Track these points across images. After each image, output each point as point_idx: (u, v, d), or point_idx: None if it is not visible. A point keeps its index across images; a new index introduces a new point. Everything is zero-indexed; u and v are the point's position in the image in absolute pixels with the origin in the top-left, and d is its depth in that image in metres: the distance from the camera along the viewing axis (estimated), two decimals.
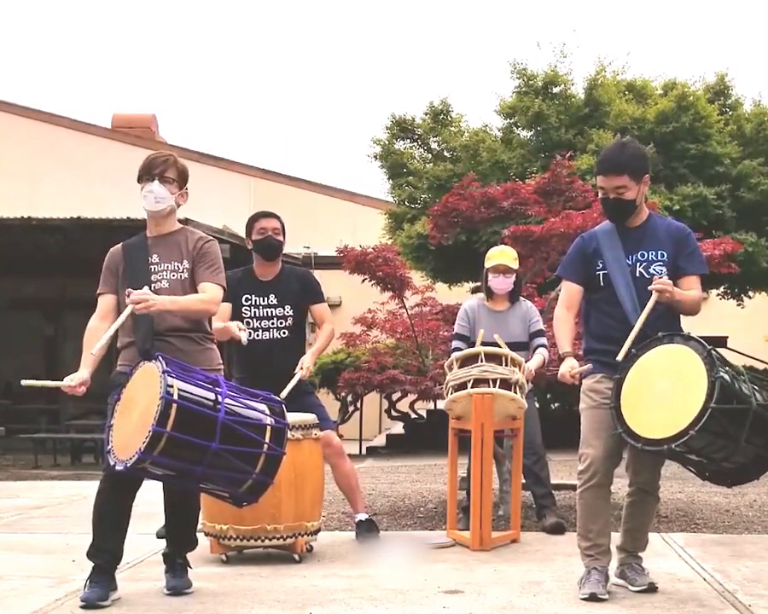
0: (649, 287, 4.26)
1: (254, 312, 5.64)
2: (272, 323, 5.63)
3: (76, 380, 4.32)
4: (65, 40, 56.10)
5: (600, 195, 4.54)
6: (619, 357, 4.17)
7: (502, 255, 6.16)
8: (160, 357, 4.06)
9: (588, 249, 4.53)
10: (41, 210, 13.85)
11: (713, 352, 4.00)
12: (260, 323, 5.64)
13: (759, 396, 4.07)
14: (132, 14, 53.42)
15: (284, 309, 5.63)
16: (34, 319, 15.88)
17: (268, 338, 5.63)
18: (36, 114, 18.56)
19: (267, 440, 4.19)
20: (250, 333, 5.59)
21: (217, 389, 4.14)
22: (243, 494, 4.27)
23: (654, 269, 4.39)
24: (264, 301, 5.64)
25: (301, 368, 5.47)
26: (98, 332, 4.39)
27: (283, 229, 5.74)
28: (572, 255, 4.62)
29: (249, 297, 5.64)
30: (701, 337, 4.15)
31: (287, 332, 5.65)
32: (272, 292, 5.63)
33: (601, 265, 4.46)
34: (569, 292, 4.57)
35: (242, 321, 5.59)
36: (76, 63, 54.44)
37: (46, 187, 17.50)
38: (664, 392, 4.08)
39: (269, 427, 4.22)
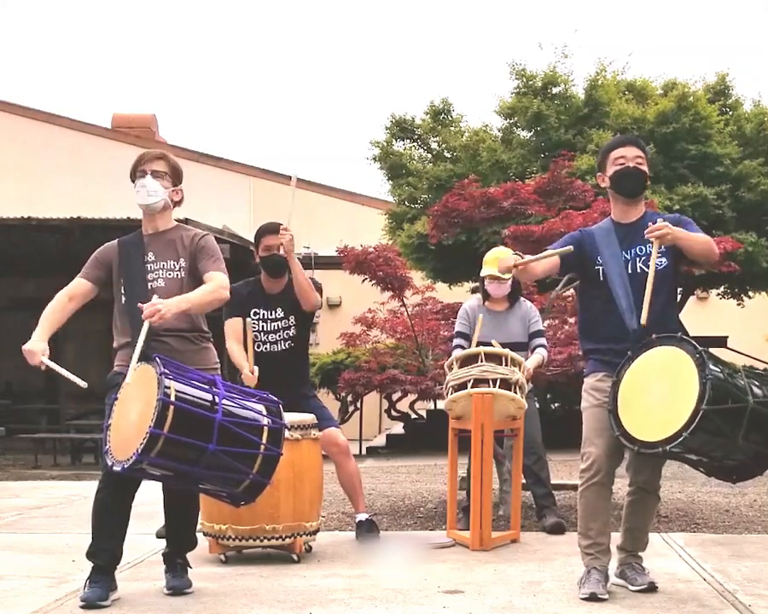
0: (646, 232, 4.20)
1: (263, 326, 5.69)
2: (278, 336, 5.69)
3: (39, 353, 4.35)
4: (64, 40, 56.14)
5: (617, 168, 4.43)
6: (643, 321, 4.12)
7: (497, 261, 6.07)
8: (157, 358, 4.06)
9: (585, 241, 4.51)
10: (41, 210, 13.85)
11: (705, 353, 4.01)
12: (268, 337, 5.69)
13: (758, 392, 4.07)
14: (132, 14, 53.46)
15: (288, 320, 5.69)
16: (34, 319, 15.84)
17: (275, 350, 5.69)
18: (36, 114, 18.54)
19: (264, 440, 4.19)
20: (258, 345, 5.66)
21: (214, 389, 4.14)
22: (240, 494, 4.27)
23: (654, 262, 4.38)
24: (272, 315, 5.70)
25: None
26: (63, 308, 4.51)
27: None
28: (566, 238, 4.61)
29: (258, 311, 5.70)
30: (701, 337, 4.16)
31: (292, 342, 5.70)
32: (279, 306, 5.69)
33: (600, 261, 4.45)
34: (544, 253, 4.46)
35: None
36: (76, 63, 54.47)
37: (46, 187, 17.49)
38: (658, 395, 4.09)
39: (266, 428, 4.21)
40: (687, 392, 3.95)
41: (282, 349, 5.69)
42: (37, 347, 4.36)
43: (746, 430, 3.98)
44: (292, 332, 5.69)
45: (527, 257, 4.38)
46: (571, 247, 4.39)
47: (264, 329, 5.68)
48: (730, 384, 4.03)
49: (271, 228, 5.72)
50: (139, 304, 4.22)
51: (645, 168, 4.46)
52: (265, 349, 5.67)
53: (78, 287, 4.56)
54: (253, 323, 5.65)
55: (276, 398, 4.39)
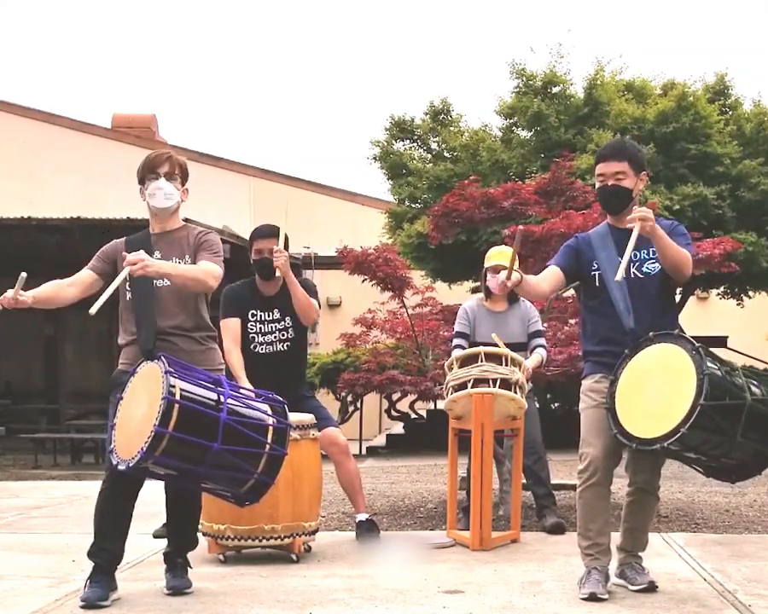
0: (628, 217, 4.19)
1: (260, 327, 5.70)
2: (275, 337, 5.70)
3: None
4: (64, 40, 56.13)
5: (597, 185, 4.50)
6: (618, 277, 4.11)
7: (501, 255, 6.16)
8: (162, 357, 4.06)
9: (582, 248, 4.53)
10: (41, 210, 13.83)
11: (702, 349, 4.01)
12: (265, 338, 5.70)
13: (756, 390, 4.07)
14: (132, 14, 53.45)
15: (285, 322, 5.69)
16: (34, 319, 15.85)
17: (272, 351, 5.69)
18: (36, 114, 18.52)
19: (269, 440, 4.19)
20: (255, 346, 5.68)
21: (219, 389, 4.14)
22: (245, 493, 4.27)
23: (647, 268, 4.40)
24: (269, 316, 5.70)
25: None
26: (60, 287, 4.49)
27: (285, 244, 5.71)
28: (563, 249, 4.62)
29: (255, 312, 5.71)
30: (701, 337, 4.15)
31: (289, 343, 5.71)
32: (276, 307, 5.69)
33: (596, 266, 4.47)
34: (548, 270, 4.51)
35: (248, 336, 5.67)
36: (76, 63, 54.48)
37: (46, 187, 17.46)
38: (656, 392, 4.09)
39: (271, 427, 4.22)
40: (685, 388, 3.95)
41: (279, 350, 5.69)
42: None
43: (744, 428, 3.98)
44: (290, 333, 5.69)
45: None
46: None
47: (261, 331, 5.69)
48: (728, 381, 4.03)
49: (263, 232, 5.71)
50: (123, 253, 4.25)
51: (627, 183, 4.39)
52: (263, 350, 5.68)
53: (80, 276, 4.56)
54: (251, 325, 5.67)
55: (280, 398, 4.39)
